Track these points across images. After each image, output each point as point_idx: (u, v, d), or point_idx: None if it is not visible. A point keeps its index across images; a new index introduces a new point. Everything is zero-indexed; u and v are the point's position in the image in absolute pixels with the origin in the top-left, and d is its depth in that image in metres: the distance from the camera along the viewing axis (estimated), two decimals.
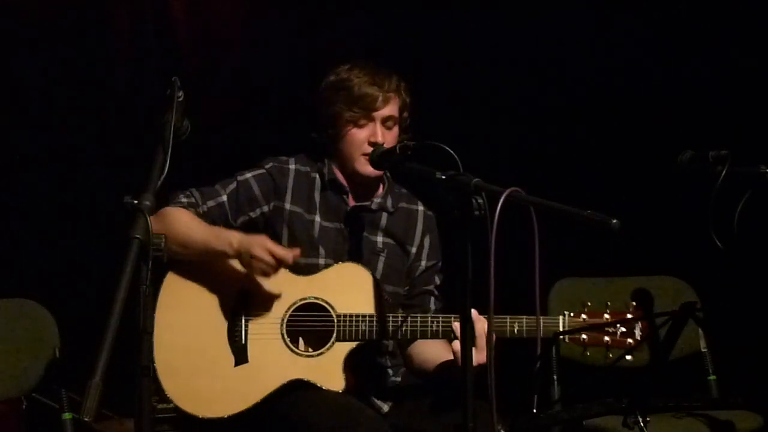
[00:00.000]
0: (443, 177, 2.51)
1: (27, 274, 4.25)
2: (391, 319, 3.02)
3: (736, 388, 3.42)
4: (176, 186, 3.13)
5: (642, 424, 2.66)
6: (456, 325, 2.92)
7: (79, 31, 4.52)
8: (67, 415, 3.33)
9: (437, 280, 3.31)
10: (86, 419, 1.93)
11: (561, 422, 2.98)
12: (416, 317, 3.02)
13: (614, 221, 2.25)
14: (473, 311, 2.83)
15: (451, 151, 2.55)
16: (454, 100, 4.54)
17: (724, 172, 2.96)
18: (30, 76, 4.45)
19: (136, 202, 2.19)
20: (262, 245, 2.98)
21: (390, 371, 3.26)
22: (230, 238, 3.02)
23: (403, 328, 3.01)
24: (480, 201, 2.41)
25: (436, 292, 3.30)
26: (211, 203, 3.15)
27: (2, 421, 3.95)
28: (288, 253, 2.99)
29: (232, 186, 3.18)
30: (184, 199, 3.14)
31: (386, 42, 4.52)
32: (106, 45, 4.57)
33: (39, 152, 4.43)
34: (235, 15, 4.68)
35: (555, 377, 3.62)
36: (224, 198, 3.16)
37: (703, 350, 3.73)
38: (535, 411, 2.61)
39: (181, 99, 2.44)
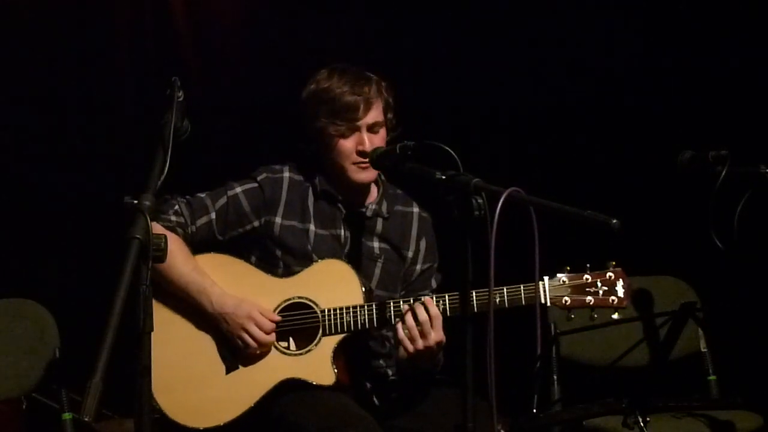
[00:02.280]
0: (443, 177, 2.50)
1: (27, 274, 4.25)
2: (374, 307, 3.04)
3: (736, 388, 3.42)
4: (172, 188, 3.12)
5: (642, 424, 2.66)
6: (404, 307, 2.97)
7: (79, 31, 4.52)
8: (67, 415, 3.33)
9: (434, 283, 3.31)
10: (86, 419, 1.93)
11: (561, 422, 2.98)
12: (399, 302, 3.03)
13: (614, 221, 2.24)
14: (426, 298, 2.96)
15: (451, 151, 2.54)
16: (454, 100, 4.54)
17: (724, 172, 2.96)
18: (30, 76, 4.45)
19: (136, 202, 2.19)
20: (243, 322, 3.04)
21: (382, 361, 3.25)
22: (211, 297, 3.07)
23: (387, 315, 3.03)
24: (480, 201, 2.41)
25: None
26: (200, 222, 3.17)
27: (2, 421, 3.95)
28: (267, 337, 3.04)
29: (222, 201, 3.19)
30: (173, 218, 3.15)
31: (387, 43, 4.52)
32: (107, 45, 4.57)
33: (39, 152, 4.43)
34: (235, 15, 4.68)
35: (555, 377, 3.62)
36: (213, 216, 3.18)
37: (703, 350, 3.72)
38: (535, 411, 2.61)
39: (181, 99, 2.44)
